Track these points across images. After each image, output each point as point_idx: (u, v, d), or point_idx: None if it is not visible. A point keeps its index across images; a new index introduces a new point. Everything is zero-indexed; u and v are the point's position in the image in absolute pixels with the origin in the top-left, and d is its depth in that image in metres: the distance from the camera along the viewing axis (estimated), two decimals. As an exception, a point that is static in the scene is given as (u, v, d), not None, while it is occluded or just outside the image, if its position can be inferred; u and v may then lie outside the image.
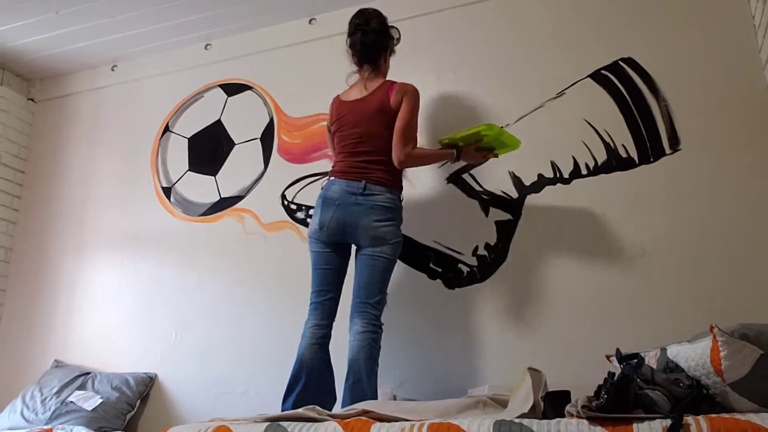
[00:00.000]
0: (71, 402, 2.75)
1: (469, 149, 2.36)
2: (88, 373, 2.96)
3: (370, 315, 2.20)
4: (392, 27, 2.49)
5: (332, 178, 2.37)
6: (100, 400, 2.74)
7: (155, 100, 3.45)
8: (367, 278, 2.24)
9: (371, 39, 2.41)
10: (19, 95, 3.68)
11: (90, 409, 2.70)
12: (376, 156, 2.32)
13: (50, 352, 3.21)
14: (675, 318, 2.22)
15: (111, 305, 3.18)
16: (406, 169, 2.60)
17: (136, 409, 2.82)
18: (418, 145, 2.38)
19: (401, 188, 2.39)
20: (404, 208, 2.66)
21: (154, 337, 3.02)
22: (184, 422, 2.71)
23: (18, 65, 3.60)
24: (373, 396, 2.09)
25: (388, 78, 2.47)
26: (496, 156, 2.43)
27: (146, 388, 2.90)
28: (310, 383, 2.18)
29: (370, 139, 2.33)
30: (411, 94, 2.34)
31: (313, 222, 2.34)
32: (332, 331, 2.30)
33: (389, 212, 2.27)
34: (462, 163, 2.63)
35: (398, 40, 2.51)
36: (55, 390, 2.85)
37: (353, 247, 2.37)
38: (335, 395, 2.24)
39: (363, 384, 2.10)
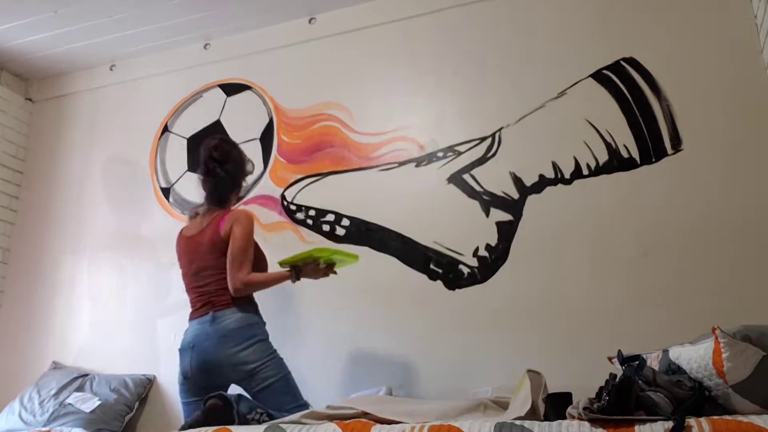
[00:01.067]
0: (69, 404, 2.74)
1: (307, 268, 2.26)
2: (86, 375, 2.95)
3: None
4: (248, 162, 2.43)
5: (189, 322, 2.27)
6: (99, 402, 2.72)
7: (154, 100, 3.43)
8: (273, 406, 2.06)
9: (228, 179, 2.35)
10: (16, 95, 3.66)
11: (88, 411, 2.68)
12: (218, 285, 2.22)
13: (48, 354, 3.19)
14: (676, 319, 2.21)
15: (109, 306, 3.16)
16: None
17: (134, 411, 2.81)
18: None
19: (255, 304, 2.29)
20: (404, 209, 2.65)
21: (153, 339, 3.01)
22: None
23: (16, 65, 3.59)
24: None
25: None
26: (335, 273, 2.32)
27: (145, 389, 2.89)
28: None
29: (207, 271, 2.25)
30: (241, 221, 2.25)
31: (178, 377, 2.23)
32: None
33: (243, 332, 2.15)
34: (461, 164, 2.63)
35: (251, 171, 2.46)
36: (53, 392, 2.83)
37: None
38: None
39: None
